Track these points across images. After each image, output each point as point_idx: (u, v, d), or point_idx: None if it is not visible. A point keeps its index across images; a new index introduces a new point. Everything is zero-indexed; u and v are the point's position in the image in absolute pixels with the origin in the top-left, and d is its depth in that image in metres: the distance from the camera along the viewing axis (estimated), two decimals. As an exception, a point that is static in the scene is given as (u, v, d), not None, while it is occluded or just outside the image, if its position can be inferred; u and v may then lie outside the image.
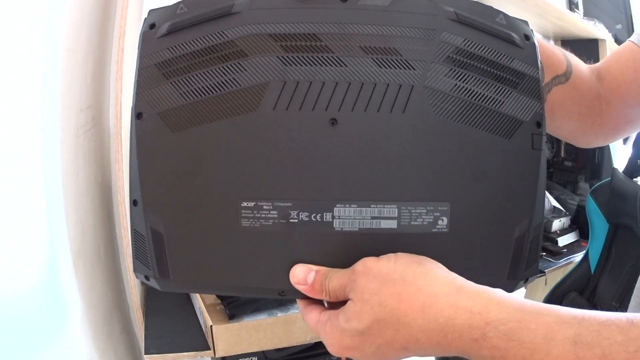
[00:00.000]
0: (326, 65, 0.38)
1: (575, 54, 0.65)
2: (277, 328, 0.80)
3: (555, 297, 1.21)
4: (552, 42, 2.20)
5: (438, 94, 0.39)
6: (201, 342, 0.80)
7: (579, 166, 1.75)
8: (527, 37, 0.42)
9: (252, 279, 0.40)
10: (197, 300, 0.84)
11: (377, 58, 0.38)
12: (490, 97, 0.40)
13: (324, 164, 0.38)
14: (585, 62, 0.66)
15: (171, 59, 0.40)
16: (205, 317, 0.78)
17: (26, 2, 0.65)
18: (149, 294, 0.99)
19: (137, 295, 0.87)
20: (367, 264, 0.36)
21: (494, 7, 0.41)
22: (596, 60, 0.69)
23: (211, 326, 0.75)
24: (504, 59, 0.40)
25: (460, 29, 0.40)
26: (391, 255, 0.37)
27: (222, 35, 0.39)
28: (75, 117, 0.83)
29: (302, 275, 0.37)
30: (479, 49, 0.40)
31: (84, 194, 0.88)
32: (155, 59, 0.40)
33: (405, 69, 0.39)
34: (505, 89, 0.41)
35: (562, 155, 1.82)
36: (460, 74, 0.40)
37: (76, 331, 0.80)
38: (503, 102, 0.40)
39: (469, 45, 0.40)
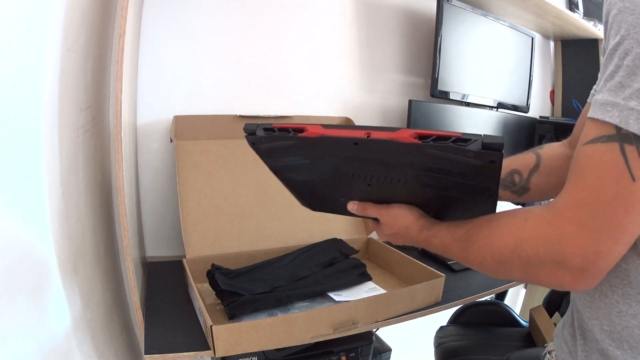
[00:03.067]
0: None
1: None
2: (277, 328, 0.81)
3: (556, 296, 1.21)
4: (552, 42, 2.20)
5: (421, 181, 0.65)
6: (201, 342, 0.80)
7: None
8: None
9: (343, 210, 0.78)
10: (197, 299, 0.84)
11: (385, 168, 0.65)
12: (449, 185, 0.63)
13: (363, 196, 0.75)
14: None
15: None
16: (205, 317, 0.78)
17: (26, 1, 0.65)
18: (149, 294, 0.99)
19: (137, 295, 0.87)
20: (389, 210, 0.73)
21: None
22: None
23: (211, 326, 0.75)
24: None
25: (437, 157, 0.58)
26: (397, 204, 0.73)
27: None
28: (75, 117, 0.84)
29: (350, 205, 0.75)
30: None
31: (83, 194, 0.88)
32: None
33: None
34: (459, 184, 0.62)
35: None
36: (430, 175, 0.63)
37: (76, 331, 0.80)
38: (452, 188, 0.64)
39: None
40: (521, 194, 0.87)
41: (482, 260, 0.61)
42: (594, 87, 0.70)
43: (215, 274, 0.96)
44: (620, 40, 0.49)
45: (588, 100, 0.73)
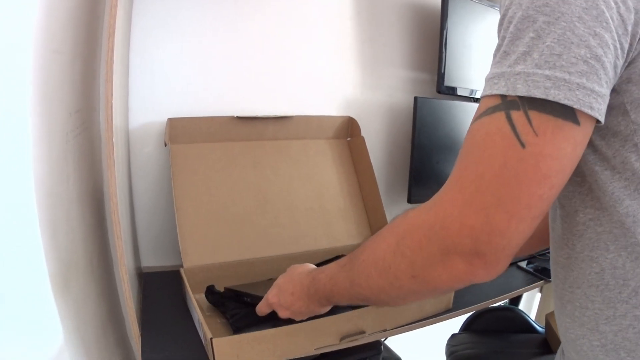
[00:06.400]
0: None
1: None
2: (280, 339, 0.80)
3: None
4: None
5: None
6: (201, 356, 0.80)
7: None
8: None
9: None
10: (196, 311, 0.84)
11: None
12: None
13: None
14: None
15: None
16: (205, 330, 0.78)
17: (11, 2, 0.65)
18: (145, 307, 0.99)
19: (132, 308, 0.86)
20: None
21: None
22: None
23: (211, 339, 0.75)
24: None
25: None
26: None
27: None
28: (64, 122, 0.83)
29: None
30: None
31: (74, 202, 0.88)
32: None
33: None
34: None
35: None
36: None
37: (69, 347, 0.80)
38: None
39: None
40: None
41: (367, 276, 0.55)
42: None
43: (210, 298, 0.98)
44: (505, 11, 0.48)
45: None
